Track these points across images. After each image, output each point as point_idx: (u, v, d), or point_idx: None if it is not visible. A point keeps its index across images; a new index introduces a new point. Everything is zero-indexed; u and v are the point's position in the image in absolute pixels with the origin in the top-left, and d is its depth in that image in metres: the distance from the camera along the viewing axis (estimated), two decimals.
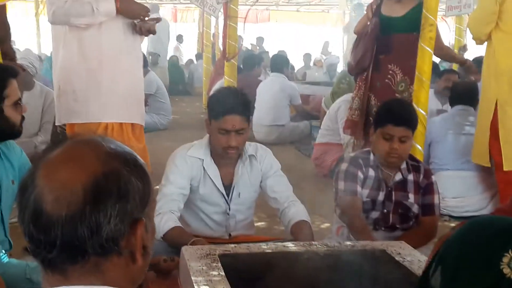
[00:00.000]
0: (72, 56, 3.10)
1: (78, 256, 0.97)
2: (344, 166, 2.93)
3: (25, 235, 0.99)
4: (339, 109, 5.31)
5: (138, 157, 1.06)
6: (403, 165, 2.91)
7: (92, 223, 0.95)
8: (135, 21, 3.17)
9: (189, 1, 14.21)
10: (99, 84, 3.14)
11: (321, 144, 5.53)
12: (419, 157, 3.54)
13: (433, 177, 2.99)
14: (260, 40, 15.84)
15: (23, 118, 2.42)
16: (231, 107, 2.64)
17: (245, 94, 2.81)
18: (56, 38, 3.20)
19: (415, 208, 2.91)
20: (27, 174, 1.02)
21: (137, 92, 3.38)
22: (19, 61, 3.44)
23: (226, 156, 2.74)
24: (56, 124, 3.25)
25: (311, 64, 13.49)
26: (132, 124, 3.31)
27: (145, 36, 3.29)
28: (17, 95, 2.37)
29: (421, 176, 2.94)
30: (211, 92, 5.18)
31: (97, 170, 0.97)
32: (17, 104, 2.36)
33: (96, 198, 0.96)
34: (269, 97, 7.01)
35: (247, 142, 2.83)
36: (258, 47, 15.15)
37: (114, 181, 0.98)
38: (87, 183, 0.96)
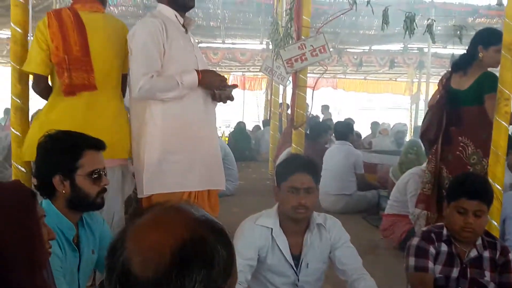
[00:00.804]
0: (156, 128, 3.13)
1: None
2: (415, 241, 2.85)
3: None
4: (408, 182, 5.26)
5: (224, 226, 1.08)
6: (479, 241, 2.81)
7: (177, 287, 0.96)
8: (215, 90, 3.24)
9: (257, 70, 14.64)
10: (183, 154, 3.16)
11: (390, 215, 5.43)
12: (496, 234, 3.41)
13: (511, 255, 2.86)
14: (325, 107, 15.94)
15: (104, 190, 2.39)
16: (299, 165, 2.72)
17: (312, 158, 2.86)
18: (137, 112, 3.23)
19: (492, 287, 2.78)
20: (117, 236, 1.04)
21: (218, 158, 3.40)
22: None
23: (295, 218, 2.73)
24: (139, 196, 3.25)
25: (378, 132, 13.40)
26: (208, 191, 3.31)
27: (224, 103, 3.35)
28: (94, 166, 2.33)
29: (498, 253, 2.83)
30: (278, 160, 5.23)
31: (185, 235, 0.99)
32: (93, 175, 2.33)
33: (183, 262, 0.97)
34: (335, 165, 6.96)
35: (315, 212, 2.82)
36: (323, 115, 15.25)
37: (201, 247, 1.00)
38: (175, 247, 0.97)
